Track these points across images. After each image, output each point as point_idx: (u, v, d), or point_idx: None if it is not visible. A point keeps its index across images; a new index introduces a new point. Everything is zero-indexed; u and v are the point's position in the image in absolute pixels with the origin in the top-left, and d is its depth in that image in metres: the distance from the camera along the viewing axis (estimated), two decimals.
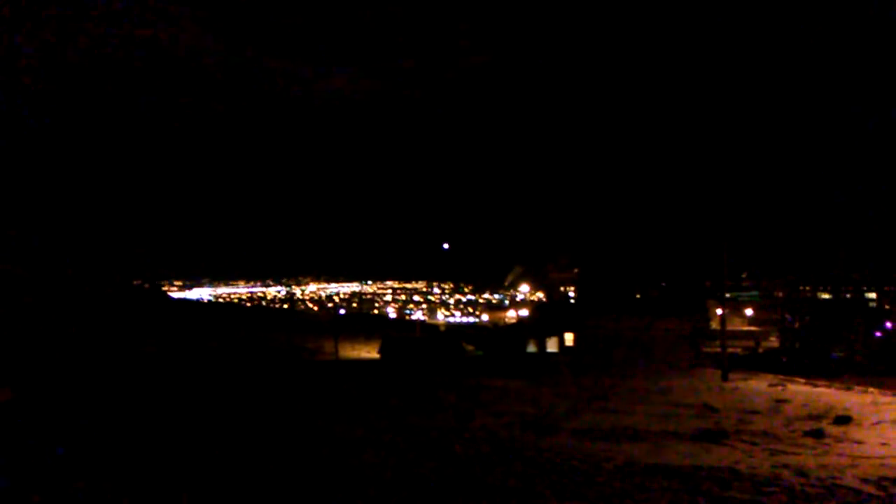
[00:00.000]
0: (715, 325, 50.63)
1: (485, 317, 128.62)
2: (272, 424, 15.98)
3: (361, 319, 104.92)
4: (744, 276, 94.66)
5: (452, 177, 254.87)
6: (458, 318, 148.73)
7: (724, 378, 33.31)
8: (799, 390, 28.27)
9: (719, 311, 43.95)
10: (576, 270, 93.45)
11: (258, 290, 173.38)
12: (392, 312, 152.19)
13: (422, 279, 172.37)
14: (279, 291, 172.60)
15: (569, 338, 45.99)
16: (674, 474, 11.06)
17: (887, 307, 69.99)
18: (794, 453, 13.82)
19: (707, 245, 50.53)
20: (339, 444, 13.32)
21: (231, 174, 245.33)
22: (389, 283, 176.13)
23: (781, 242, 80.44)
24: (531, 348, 48.87)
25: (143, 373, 31.41)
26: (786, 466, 12.15)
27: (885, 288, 74.86)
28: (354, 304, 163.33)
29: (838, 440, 15.57)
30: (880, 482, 10.74)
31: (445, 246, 73.74)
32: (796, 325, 51.50)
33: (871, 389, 28.11)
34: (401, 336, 62.93)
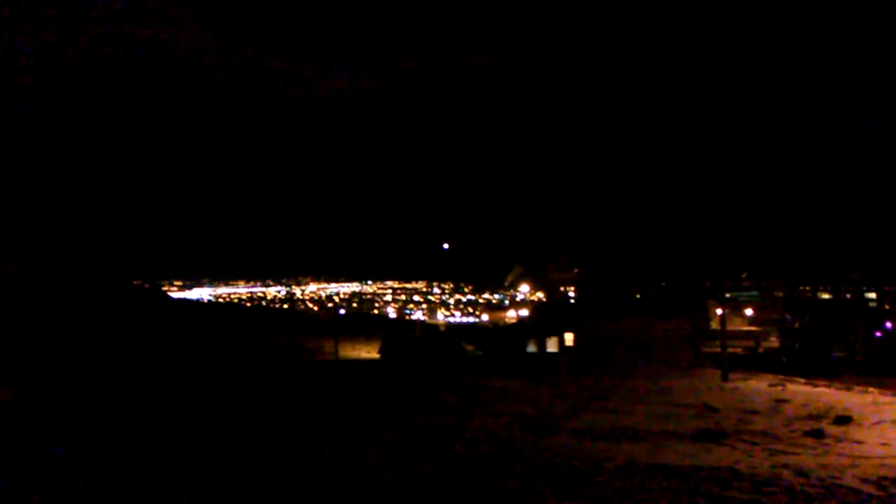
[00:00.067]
0: (715, 325, 50.61)
1: (485, 317, 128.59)
2: (272, 424, 15.98)
3: (361, 319, 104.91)
4: (744, 276, 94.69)
5: (452, 177, 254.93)
6: (458, 318, 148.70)
7: (724, 378, 33.30)
8: (799, 390, 28.27)
9: (719, 311, 43.95)
10: (576, 270, 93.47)
11: (258, 290, 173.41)
12: (392, 312, 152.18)
13: (422, 279, 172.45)
14: (279, 291, 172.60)
15: (569, 338, 45.96)
16: (674, 474, 11.06)
17: (887, 307, 69.93)
18: (794, 453, 13.81)
19: (707, 245, 50.52)
20: (339, 444, 13.31)
21: (231, 174, 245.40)
22: (389, 283, 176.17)
23: (781, 242, 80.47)
24: (531, 348, 48.85)
25: (143, 373, 31.40)
26: (786, 466, 12.15)
27: (885, 288, 74.85)
28: (354, 304, 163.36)
29: (838, 440, 15.57)
30: (880, 482, 10.74)
31: (445, 246, 73.74)
32: (796, 325, 51.46)
33: (871, 389, 28.12)
34: (401, 336, 62.96)
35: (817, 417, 19.20)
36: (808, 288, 77.23)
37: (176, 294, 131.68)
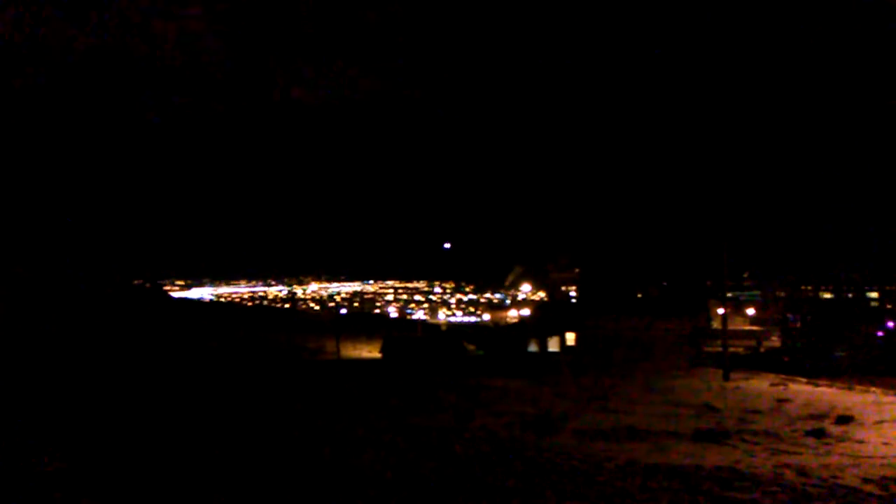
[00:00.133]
0: (716, 324, 50.64)
1: (486, 316, 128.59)
2: (273, 424, 15.97)
3: (363, 319, 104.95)
4: (745, 275, 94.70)
5: (453, 177, 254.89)
6: (459, 317, 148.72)
7: (726, 378, 33.27)
8: (800, 390, 28.25)
9: (721, 311, 43.94)
10: (576, 270, 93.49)
11: (259, 289, 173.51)
12: (393, 312, 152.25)
13: (423, 279, 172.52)
14: (280, 291, 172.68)
15: (570, 337, 45.95)
16: (675, 474, 11.03)
17: (889, 306, 69.92)
18: (795, 453, 13.79)
19: (708, 245, 50.51)
20: (339, 444, 13.29)
21: (232, 174, 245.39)
22: (391, 282, 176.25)
23: (782, 242, 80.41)
24: (532, 348, 48.85)
25: (144, 372, 31.39)
26: (787, 466, 12.12)
27: (887, 287, 74.83)
28: (356, 304, 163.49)
29: (840, 440, 15.54)
30: (882, 482, 10.71)
31: (447, 246, 73.69)
32: (798, 324, 51.51)
33: (872, 389, 28.11)
34: (402, 336, 62.92)
35: (819, 417, 19.17)
36: (809, 287, 77.26)
37: (177, 294, 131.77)
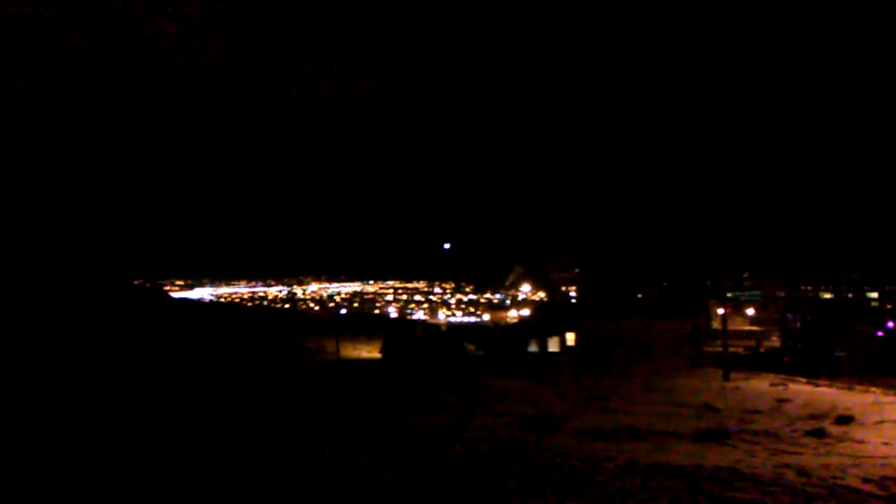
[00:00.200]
0: (716, 324, 50.61)
1: (486, 316, 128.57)
2: (273, 424, 15.96)
3: (363, 319, 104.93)
4: (745, 275, 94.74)
5: (453, 177, 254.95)
6: (459, 317, 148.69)
7: (726, 378, 33.28)
8: (801, 390, 28.25)
9: (721, 311, 43.92)
10: (576, 270, 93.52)
11: (259, 289, 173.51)
12: (393, 312, 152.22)
13: (423, 279, 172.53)
14: (280, 291, 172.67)
15: (570, 337, 45.97)
16: (675, 474, 11.02)
17: (889, 306, 69.93)
18: (795, 453, 13.78)
19: (708, 245, 50.51)
20: (339, 444, 13.29)
21: (232, 174, 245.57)
22: (391, 282, 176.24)
23: (782, 242, 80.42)
24: (532, 348, 48.86)
25: (143, 373, 31.38)
26: (787, 466, 12.11)
27: (887, 287, 74.88)
28: (356, 304, 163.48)
29: (840, 440, 15.54)
30: (882, 482, 10.69)
31: (446, 246, 73.71)
32: (798, 324, 51.50)
33: (872, 389, 28.13)
34: (402, 336, 62.93)
35: (819, 417, 19.16)
36: (809, 288, 77.28)
37: (177, 294, 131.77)
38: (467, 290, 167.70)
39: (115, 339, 48.38)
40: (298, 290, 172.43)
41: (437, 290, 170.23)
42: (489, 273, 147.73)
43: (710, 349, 46.12)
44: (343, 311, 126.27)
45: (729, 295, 48.81)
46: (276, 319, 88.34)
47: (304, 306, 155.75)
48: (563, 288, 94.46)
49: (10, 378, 25.08)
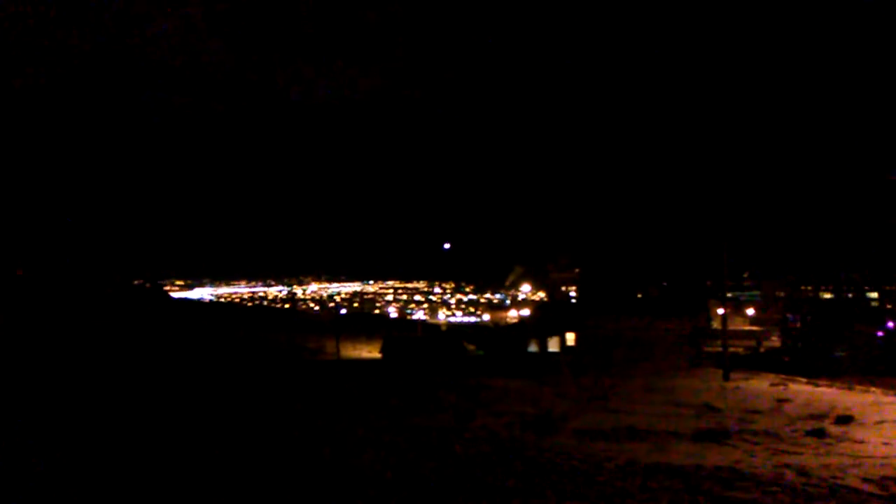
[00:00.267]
0: (716, 324, 50.59)
1: (486, 316, 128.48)
2: (273, 424, 15.96)
3: (363, 319, 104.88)
4: (745, 275, 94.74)
5: (453, 177, 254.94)
6: (459, 317, 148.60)
7: (726, 378, 33.26)
8: (801, 390, 28.23)
9: (721, 311, 43.91)
10: (576, 270, 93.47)
11: (259, 289, 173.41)
12: (393, 312, 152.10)
13: (423, 279, 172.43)
14: (280, 291, 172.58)
15: (570, 337, 45.93)
16: (675, 474, 11.02)
17: (889, 306, 69.91)
18: (795, 453, 13.78)
19: (707, 245, 50.49)
20: (339, 444, 13.28)
21: (232, 174, 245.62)
22: (391, 282, 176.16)
23: (782, 242, 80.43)
24: (532, 348, 48.82)
25: (143, 372, 31.38)
26: (787, 466, 12.12)
27: (887, 287, 74.86)
28: (356, 304, 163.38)
29: (840, 440, 15.54)
30: (882, 482, 10.70)
31: (446, 246, 73.68)
32: (798, 324, 51.50)
33: (872, 389, 28.11)
34: (402, 336, 62.91)
35: (819, 417, 19.16)
36: (809, 288, 77.30)
37: (177, 294, 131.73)
38: (467, 290, 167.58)
39: (115, 339, 48.37)
40: (298, 290, 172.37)
41: (437, 290, 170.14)
42: (489, 273, 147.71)
43: (710, 349, 46.07)
44: (343, 311, 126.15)
45: (729, 295, 48.78)
46: (276, 319, 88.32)
47: (304, 306, 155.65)
48: (563, 288, 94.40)
49: (10, 378, 25.07)
